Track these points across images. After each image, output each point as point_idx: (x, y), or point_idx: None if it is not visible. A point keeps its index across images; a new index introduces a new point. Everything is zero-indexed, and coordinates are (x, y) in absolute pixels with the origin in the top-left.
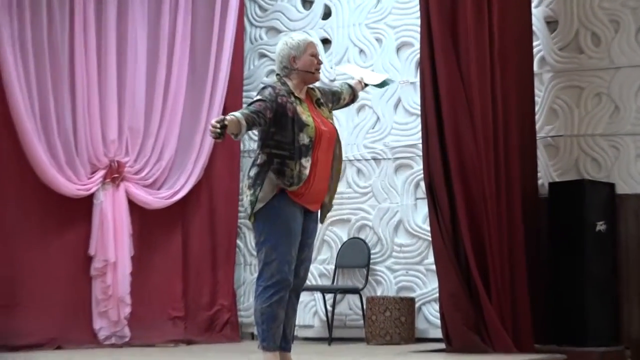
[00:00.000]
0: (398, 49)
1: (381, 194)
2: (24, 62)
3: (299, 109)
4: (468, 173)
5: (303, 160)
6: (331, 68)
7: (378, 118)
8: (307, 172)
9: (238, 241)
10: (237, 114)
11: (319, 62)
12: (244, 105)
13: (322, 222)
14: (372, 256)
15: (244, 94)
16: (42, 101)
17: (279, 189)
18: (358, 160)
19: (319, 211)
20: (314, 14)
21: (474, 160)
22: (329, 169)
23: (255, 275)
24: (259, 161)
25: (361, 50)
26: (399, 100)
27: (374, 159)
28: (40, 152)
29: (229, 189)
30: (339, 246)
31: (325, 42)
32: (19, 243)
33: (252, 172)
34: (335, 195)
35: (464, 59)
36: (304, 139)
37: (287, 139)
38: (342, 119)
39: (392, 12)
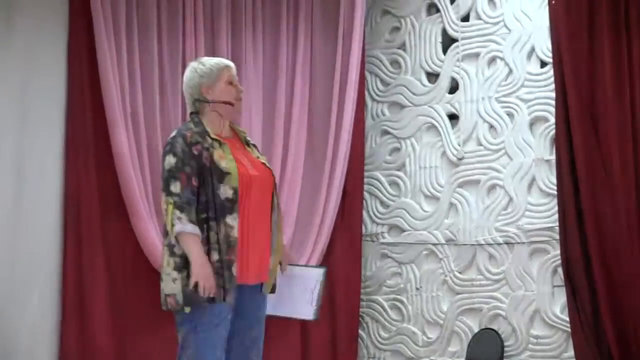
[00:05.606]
0: (531, 124)
1: (515, 281)
2: (131, 99)
3: (217, 153)
4: (610, 258)
5: (229, 219)
6: (459, 145)
7: (511, 199)
8: (235, 232)
9: (361, 332)
10: (188, 241)
11: (239, 90)
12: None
13: (271, 291)
14: (505, 349)
15: (365, 174)
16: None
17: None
18: (489, 244)
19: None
20: (440, 87)
21: (617, 245)
22: (268, 224)
23: None
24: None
25: (491, 126)
26: (533, 180)
27: (507, 243)
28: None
29: (349, 275)
30: (469, 338)
31: (453, 117)
32: (128, 324)
33: (179, 250)
34: (463, 283)
35: (603, 137)
36: (227, 191)
37: (207, 197)
38: (470, 199)
39: (524, 85)
